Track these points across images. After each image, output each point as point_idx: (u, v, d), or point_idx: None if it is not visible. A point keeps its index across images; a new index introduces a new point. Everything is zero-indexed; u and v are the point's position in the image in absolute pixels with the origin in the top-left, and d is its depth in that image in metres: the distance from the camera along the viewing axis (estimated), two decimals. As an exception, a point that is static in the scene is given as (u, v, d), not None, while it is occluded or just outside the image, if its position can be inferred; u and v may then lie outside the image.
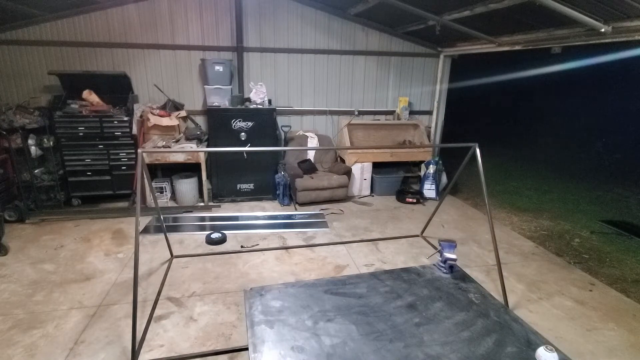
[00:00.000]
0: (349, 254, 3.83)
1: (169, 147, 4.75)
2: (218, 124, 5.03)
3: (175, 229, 4.34)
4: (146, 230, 4.26)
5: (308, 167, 5.39)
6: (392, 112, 6.25)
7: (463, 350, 1.82)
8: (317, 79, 5.83)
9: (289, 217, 4.79)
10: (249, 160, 5.15)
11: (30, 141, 4.43)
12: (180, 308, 2.89)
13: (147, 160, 4.65)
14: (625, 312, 2.99)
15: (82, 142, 4.67)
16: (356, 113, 6.04)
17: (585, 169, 7.79)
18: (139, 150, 2.74)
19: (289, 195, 5.22)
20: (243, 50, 5.33)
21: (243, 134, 5.07)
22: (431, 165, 5.72)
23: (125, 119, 4.72)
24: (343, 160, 5.74)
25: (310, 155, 5.65)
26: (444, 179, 5.83)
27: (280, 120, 5.68)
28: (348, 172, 5.32)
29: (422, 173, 5.98)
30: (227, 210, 5.01)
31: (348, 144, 5.66)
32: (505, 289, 2.96)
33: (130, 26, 5.01)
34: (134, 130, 4.80)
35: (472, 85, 9.44)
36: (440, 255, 2.63)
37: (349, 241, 4.12)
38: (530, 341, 1.89)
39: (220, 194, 5.24)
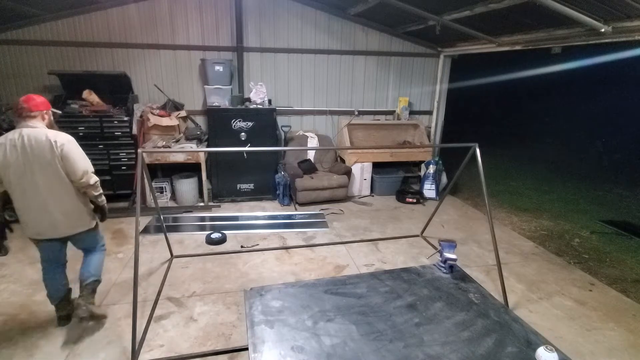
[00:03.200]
0: (349, 254, 3.84)
1: (169, 147, 4.75)
2: (218, 124, 5.03)
3: (175, 229, 4.34)
4: (146, 230, 4.26)
5: (308, 167, 5.39)
6: (392, 112, 6.25)
7: (463, 350, 1.82)
8: (317, 79, 5.83)
9: (289, 217, 4.79)
10: (249, 160, 5.15)
11: (30, 141, 4.43)
12: (180, 308, 2.89)
13: (147, 160, 4.65)
14: (625, 312, 2.99)
15: (82, 142, 4.49)
16: (356, 113, 6.04)
17: (585, 169, 7.79)
18: (139, 150, 2.75)
19: (289, 195, 5.22)
20: (243, 50, 5.33)
21: (243, 134, 5.07)
22: (431, 165, 5.72)
23: (125, 119, 4.72)
24: (343, 160, 5.75)
25: (310, 155, 5.65)
26: (444, 179, 5.83)
27: (280, 120, 5.68)
28: (348, 172, 5.32)
29: (422, 173, 5.98)
30: (227, 210, 5.01)
31: (348, 144, 5.66)
32: (505, 289, 2.96)
33: (130, 26, 5.01)
34: (134, 130, 4.80)
35: (472, 85, 9.44)
36: (440, 255, 2.63)
37: (349, 241, 4.12)
38: (530, 341, 1.89)
39: (220, 194, 5.25)
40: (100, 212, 2.65)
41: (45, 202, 2.30)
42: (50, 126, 2.39)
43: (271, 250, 3.87)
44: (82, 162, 2.36)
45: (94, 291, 2.61)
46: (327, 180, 5.18)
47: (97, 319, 2.66)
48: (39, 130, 2.25)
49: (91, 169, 2.41)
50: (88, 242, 2.63)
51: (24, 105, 2.26)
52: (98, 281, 2.64)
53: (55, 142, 2.23)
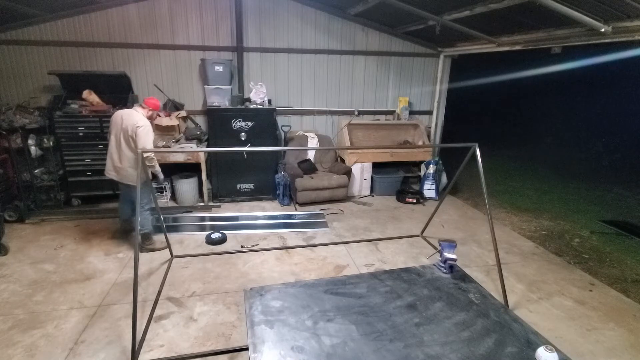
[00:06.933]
0: (349, 254, 3.83)
1: (169, 147, 4.75)
2: (218, 124, 5.03)
3: (175, 229, 4.34)
4: (146, 230, 4.26)
5: (308, 167, 5.39)
6: (392, 112, 6.25)
7: (463, 350, 1.82)
8: (317, 79, 5.83)
9: (289, 217, 4.79)
10: (249, 160, 5.15)
11: (30, 141, 4.43)
12: (180, 308, 2.89)
13: (147, 160, 4.64)
14: (625, 312, 2.99)
15: (82, 142, 4.66)
16: (356, 113, 6.04)
17: (585, 169, 7.79)
18: (139, 150, 2.75)
19: (289, 195, 5.22)
20: (243, 50, 5.33)
21: (243, 134, 5.07)
22: (431, 165, 5.72)
23: (125, 119, 4.71)
24: (343, 160, 5.74)
25: (310, 155, 5.65)
26: (444, 179, 5.83)
27: (280, 120, 5.68)
28: (348, 172, 5.32)
29: (422, 173, 5.98)
30: (227, 210, 5.01)
31: (348, 144, 5.66)
32: (505, 289, 2.96)
33: (130, 26, 5.01)
34: (134, 130, 4.81)
35: (472, 85, 9.42)
36: (440, 255, 2.63)
37: (349, 241, 4.12)
38: (530, 341, 1.89)
39: (220, 194, 5.24)
40: (153, 176, 3.63)
41: (118, 154, 3.50)
42: (149, 116, 3.59)
43: (271, 250, 3.87)
44: (142, 141, 3.35)
45: (146, 237, 3.72)
46: (327, 180, 5.18)
47: (155, 251, 3.75)
48: (136, 113, 3.49)
49: (147, 147, 3.34)
50: (133, 196, 3.42)
51: (145, 99, 3.67)
52: (146, 233, 3.69)
53: (135, 124, 3.38)
